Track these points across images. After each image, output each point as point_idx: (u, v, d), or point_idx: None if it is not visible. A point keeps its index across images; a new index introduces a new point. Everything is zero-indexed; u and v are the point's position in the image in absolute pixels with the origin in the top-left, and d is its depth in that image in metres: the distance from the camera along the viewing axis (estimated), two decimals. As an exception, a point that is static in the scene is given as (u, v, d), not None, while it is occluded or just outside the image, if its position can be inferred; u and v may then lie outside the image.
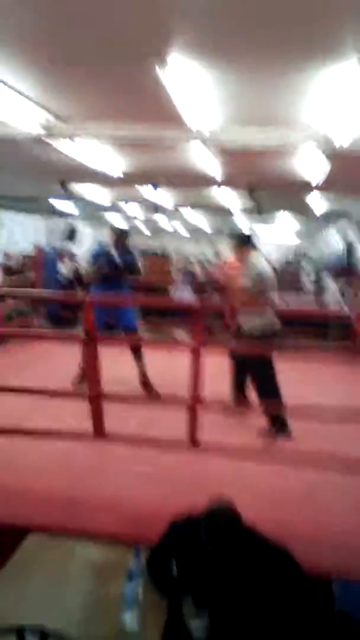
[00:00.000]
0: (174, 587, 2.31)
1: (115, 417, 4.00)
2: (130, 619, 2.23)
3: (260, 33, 3.03)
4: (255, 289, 4.03)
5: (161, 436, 3.67)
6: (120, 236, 5.19)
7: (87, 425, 3.83)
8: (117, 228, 5.37)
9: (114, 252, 5.04)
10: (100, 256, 5.05)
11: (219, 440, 3.81)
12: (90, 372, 3.04)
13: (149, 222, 15.91)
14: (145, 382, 5.01)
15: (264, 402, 4.03)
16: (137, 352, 5.04)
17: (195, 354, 3.08)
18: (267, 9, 2.72)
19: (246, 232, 4.45)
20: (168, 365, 5.01)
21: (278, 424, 4.09)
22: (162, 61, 3.38)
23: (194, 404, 3.00)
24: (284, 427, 4.08)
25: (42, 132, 5.02)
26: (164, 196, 10.24)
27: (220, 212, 13.06)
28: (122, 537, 2.68)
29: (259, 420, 4.19)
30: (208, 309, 5.67)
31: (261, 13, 2.77)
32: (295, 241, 17.65)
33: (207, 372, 3.57)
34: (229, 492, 3.07)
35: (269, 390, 4.06)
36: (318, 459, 3.41)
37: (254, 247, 4.44)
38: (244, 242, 4.36)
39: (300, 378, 5.21)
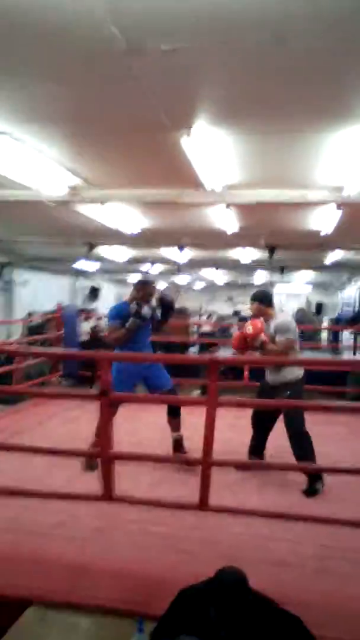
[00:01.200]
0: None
1: (125, 479, 3.88)
2: None
3: (277, 100, 3.16)
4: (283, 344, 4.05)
5: (172, 498, 3.53)
6: (146, 285, 4.53)
7: (97, 487, 3.71)
8: (142, 279, 4.76)
9: (135, 306, 4.28)
10: (123, 310, 4.34)
11: (231, 500, 3.66)
12: (103, 432, 2.96)
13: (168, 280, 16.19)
14: (180, 445, 4.48)
15: (301, 458, 3.93)
16: (176, 413, 4.49)
17: (209, 414, 2.97)
18: (282, 76, 2.84)
19: (268, 289, 4.36)
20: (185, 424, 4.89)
21: (318, 481, 3.93)
22: (188, 130, 3.53)
23: (207, 467, 2.87)
24: (320, 486, 3.92)
25: (72, 197, 5.25)
26: (186, 256, 10.46)
27: (241, 269, 13.28)
28: (126, 609, 2.52)
29: (272, 477, 4.08)
30: (224, 363, 5.45)
31: (278, 81, 2.90)
32: (309, 291, 17.73)
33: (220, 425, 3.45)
34: (240, 557, 2.95)
35: (306, 447, 3.96)
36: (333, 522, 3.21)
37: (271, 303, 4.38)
38: (266, 300, 4.33)
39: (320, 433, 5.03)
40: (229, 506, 3.42)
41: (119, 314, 4.35)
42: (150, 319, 4.40)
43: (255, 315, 4.34)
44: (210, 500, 3.27)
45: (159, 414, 6.18)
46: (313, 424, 4.10)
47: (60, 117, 3.52)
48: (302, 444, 3.97)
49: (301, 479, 3.99)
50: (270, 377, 4.20)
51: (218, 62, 2.69)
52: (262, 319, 4.23)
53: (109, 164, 4.69)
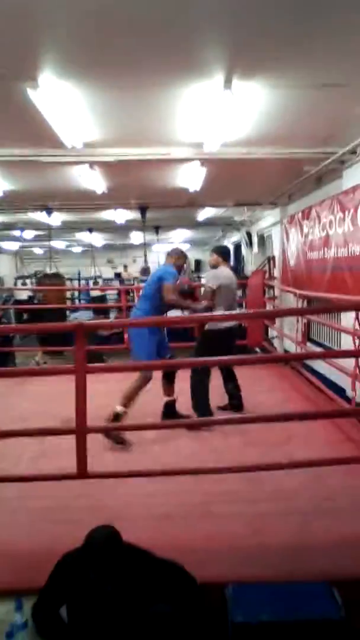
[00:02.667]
0: (64, 636, 2.12)
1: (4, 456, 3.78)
2: None
3: (127, 51, 3.02)
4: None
5: (54, 470, 3.45)
6: (184, 255, 4.92)
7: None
8: (179, 249, 5.08)
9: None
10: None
11: (113, 464, 3.73)
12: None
13: (43, 244, 15.53)
14: (171, 407, 4.74)
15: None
16: (170, 379, 4.78)
17: (79, 381, 2.89)
18: (127, 26, 2.72)
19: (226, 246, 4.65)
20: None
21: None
22: (34, 83, 3.28)
23: (81, 434, 2.83)
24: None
25: None
26: (58, 219, 10.04)
27: (116, 231, 13.12)
28: (6, 589, 2.44)
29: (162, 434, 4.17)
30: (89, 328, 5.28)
31: (126, 32, 2.77)
32: (187, 249, 18.16)
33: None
34: (125, 517, 2.99)
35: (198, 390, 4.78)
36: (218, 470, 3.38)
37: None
38: (224, 253, 5.16)
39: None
40: (109, 471, 3.43)
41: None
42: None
43: (212, 266, 5.08)
44: (92, 467, 3.26)
45: (40, 386, 6.06)
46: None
47: None
48: (195, 390, 4.71)
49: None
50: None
51: (57, 6, 2.49)
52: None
53: None
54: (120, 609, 2.07)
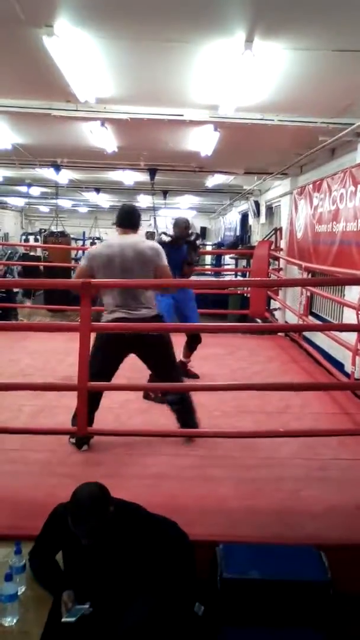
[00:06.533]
0: (59, 581, 2.20)
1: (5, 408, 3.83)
2: (10, 620, 2.09)
3: (146, 1, 2.93)
4: None
5: (54, 425, 3.52)
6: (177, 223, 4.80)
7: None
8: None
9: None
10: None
11: (113, 423, 3.75)
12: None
13: (49, 203, 15.37)
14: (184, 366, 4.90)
15: None
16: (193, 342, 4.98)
17: (82, 339, 2.91)
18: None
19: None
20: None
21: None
22: (50, 30, 3.20)
23: (83, 391, 2.87)
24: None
25: None
26: (66, 176, 9.90)
27: (123, 193, 12.96)
28: (3, 534, 2.52)
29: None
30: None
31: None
32: (193, 215, 17.97)
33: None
34: (119, 474, 3.06)
35: None
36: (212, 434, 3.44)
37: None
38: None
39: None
40: (108, 428, 3.49)
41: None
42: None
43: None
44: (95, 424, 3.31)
45: (42, 342, 6.10)
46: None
47: None
48: None
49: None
50: None
51: None
52: None
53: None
54: (113, 560, 2.13)
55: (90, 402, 3.14)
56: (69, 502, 2.10)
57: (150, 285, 3.36)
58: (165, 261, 3.37)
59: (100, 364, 3.18)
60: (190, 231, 4.84)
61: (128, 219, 3.50)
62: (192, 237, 4.86)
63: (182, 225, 4.75)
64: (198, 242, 5.01)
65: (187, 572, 2.17)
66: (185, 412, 3.46)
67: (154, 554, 2.15)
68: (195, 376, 4.87)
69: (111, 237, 3.88)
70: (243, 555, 2.27)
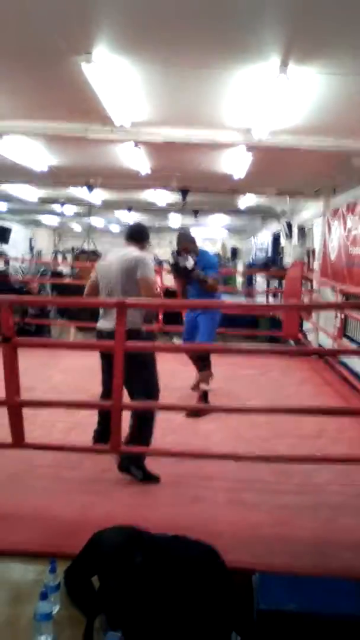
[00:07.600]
0: (94, 604, 2.17)
1: (39, 426, 3.84)
2: (44, 639, 2.07)
3: (181, 28, 2.99)
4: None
5: (86, 443, 3.52)
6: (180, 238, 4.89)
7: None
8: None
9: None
10: None
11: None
12: (8, 379, 2.85)
13: (81, 222, 15.64)
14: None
15: None
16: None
17: (118, 358, 2.92)
18: (187, 3, 2.68)
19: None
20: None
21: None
22: (88, 56, 3.29)
23: (117, 410, 2.87)
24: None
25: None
26: (99, 196, 10.08)
27: (155, 212, 13.10)
28: (40, 551, 2.52)
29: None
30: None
31: (182, 8, 2.74)
32: (225, 235, 17.98)
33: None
34: (152, 494, 3.04)
35: None
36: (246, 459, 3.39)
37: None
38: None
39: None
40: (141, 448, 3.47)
41: None
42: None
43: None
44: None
45: (74, 359, 6.16)
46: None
47: None
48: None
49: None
50: None
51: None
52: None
53: (2, 93, 4.31)
54: (152, 587, 2.09)
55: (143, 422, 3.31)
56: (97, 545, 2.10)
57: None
58: (148, 273, 3.40)
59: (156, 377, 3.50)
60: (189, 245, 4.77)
61: (129, 233, 3.74)
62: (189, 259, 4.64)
63: (180, 239, 4.83)
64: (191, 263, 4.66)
65: (223, 599, 2.11)
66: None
67: (188, 589, 2.10)
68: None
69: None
70: (279, 586, 2.21)
